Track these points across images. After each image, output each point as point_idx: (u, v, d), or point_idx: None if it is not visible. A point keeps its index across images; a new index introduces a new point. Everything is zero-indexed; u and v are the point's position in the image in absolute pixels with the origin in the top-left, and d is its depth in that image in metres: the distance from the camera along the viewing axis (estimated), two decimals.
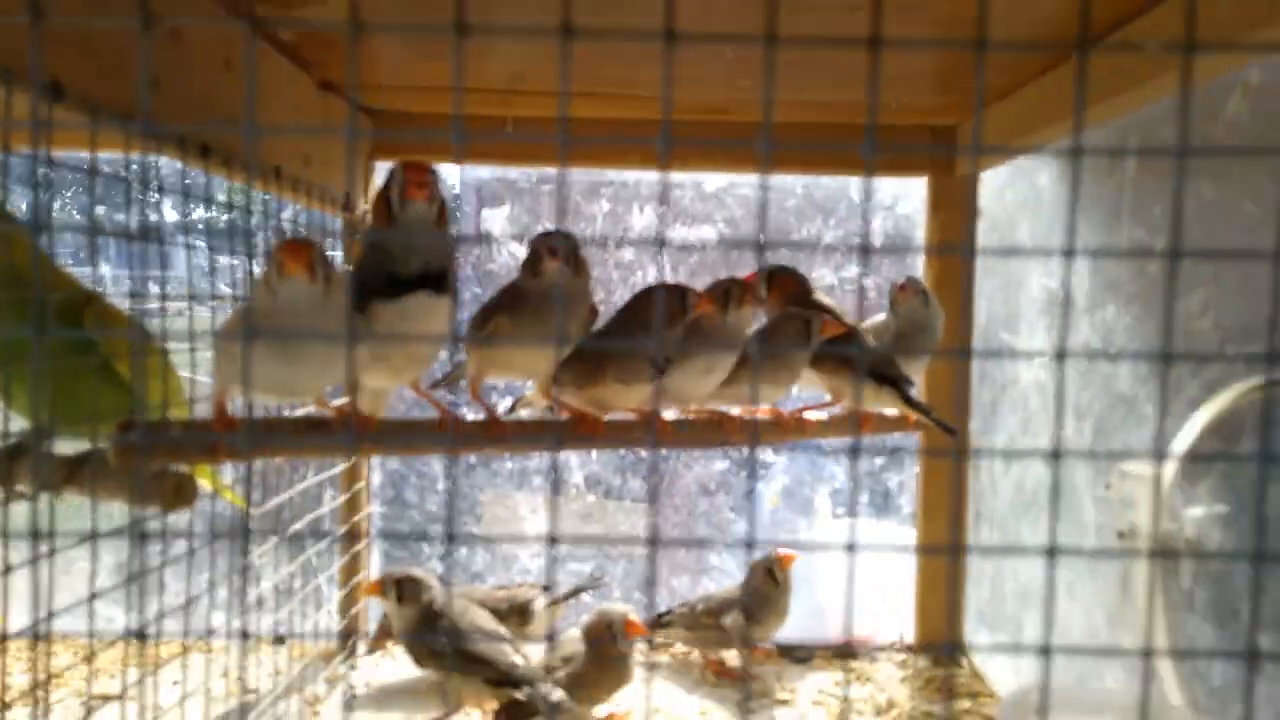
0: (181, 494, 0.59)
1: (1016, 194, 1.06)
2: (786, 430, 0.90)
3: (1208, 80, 0.68)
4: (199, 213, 0.78)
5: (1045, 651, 0.50)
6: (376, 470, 1.15)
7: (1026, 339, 1.05)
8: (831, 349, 0.87)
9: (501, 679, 0.91)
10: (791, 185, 1.23)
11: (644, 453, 1.11)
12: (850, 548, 0.65)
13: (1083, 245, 0.92)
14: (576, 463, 1.26)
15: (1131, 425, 0.80)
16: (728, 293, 0.81)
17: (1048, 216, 1.01)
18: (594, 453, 1.27)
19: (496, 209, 1.23)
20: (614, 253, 1.01)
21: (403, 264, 0.67)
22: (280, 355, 0.60)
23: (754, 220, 1.17)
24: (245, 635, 0.95)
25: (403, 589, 0.97)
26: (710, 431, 0.85)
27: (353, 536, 1.09)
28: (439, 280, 0.68)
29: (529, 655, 0.93)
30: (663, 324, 0.74)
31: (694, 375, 0.78)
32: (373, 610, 1.13)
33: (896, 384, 0.88)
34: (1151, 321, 0.82)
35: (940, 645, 1.10)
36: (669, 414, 0.85)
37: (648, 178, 1.21)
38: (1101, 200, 0.91)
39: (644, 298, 0.79)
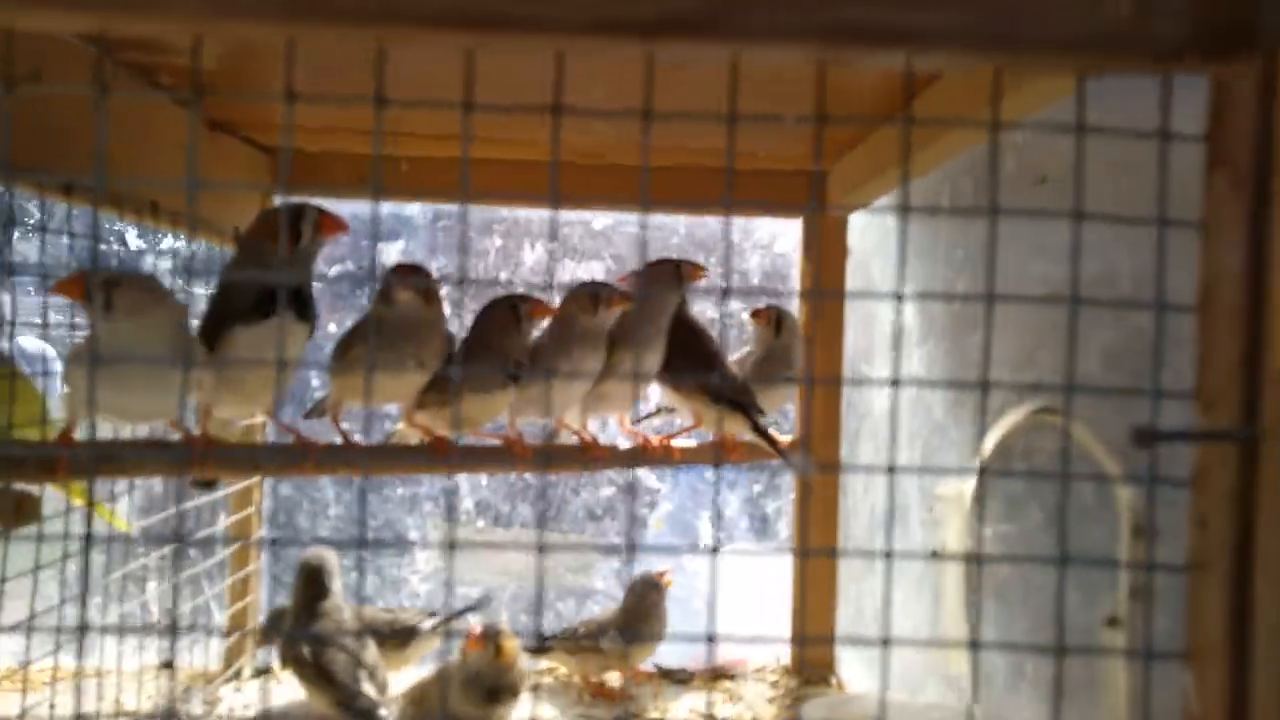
0: (23, 512, 0.62)
1: (872, 234, 1.13)
2: (653, 456, 0.95)
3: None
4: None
5: (885, 642, 0.55)
6: (269, 496, 1.17)
7: (880, 370, 1.12)
8: (691, 375, 0.92)
9: (345, 703, 0.89)
10: (674, 224, 1.29)
11: (532, 478, 1.15)
12: (715, 550, 0.69)
13: (913, 287, 0.99)
14: (467, 488, 1.30)
15: (947, 449, 0.86)
16: (595, 296, 0.85)
17: (895, 256, 1.08)
18: (484, 479, 1.30)
19: (392, 243, 1.27)
20: (507, 288, 1.05)
21: (269, 290, 0.71)
22: (111, 383, 0.63)
23: (639, 257, 1.23)
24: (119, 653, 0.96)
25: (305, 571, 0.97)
26: (575, 456, 0.89)
27: (242, 559, 1.11)
28: (303, 306, 0.72)
29: (386, 684, 0.93)
30: (503, 334, 0.78)
31: (558, 381, 0.83)
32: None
33: (746, 410, 0.93)
34: (959, 353, 0.89)
35: (811, 666, 1.16)
36: (538, 425, 0.89)
37: (539, 215, 1.26)
38: (922, 244, 0.99)
39: (483, 313, 0.83)
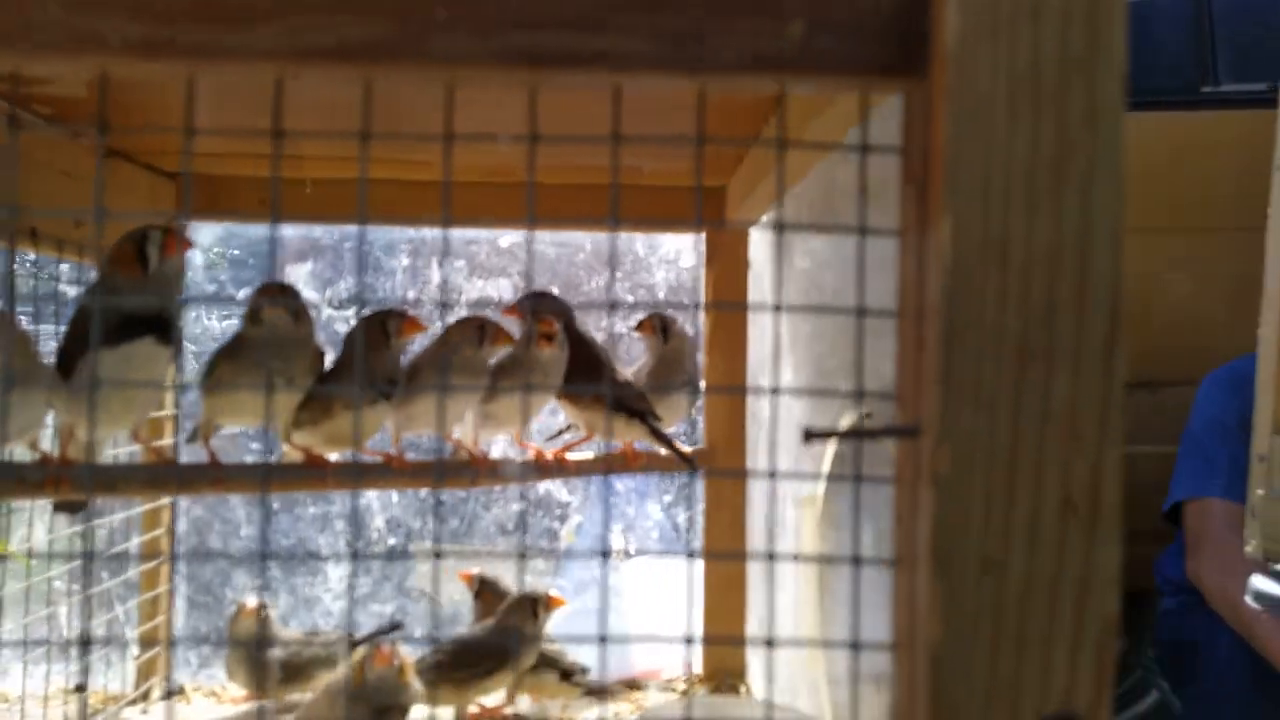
0: None
1: (767, 247, 1.16)
2: (546, 470, 0.96)
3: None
4: None
5: (769, 644, 0.56)
6: (182, 516, 1.18)
7: (772, 379, 1.14)
8: (581, 385, 0.93)
9: None
10: (581, 240, 1.31)
11: (441, 495, 1.16)
12: (605, 554, 0.70)
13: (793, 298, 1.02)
14: (378, 506, 1.31)
15: (813, 456, 0.88)
16: (481, 329, 0.87)
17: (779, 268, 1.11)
18: (394, 495, 1.31)
19: (300, 265, 1.29)
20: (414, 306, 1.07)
21: (135, 313, 0.72)
22: None
23: (547, 273, 1.25)
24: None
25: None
26: (465, 471, 0.91)
27: (153, 580, 1.12)
28: (165, 330, 0.73)
29: None
30: (373, 350, 0.80)
31: (435, 399, 0.84)
32: (177, 656, 1.15)
33: (643, 416, 0.95)
34: (816, 363, 0.92)
35: (722, 674, 1.17)
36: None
37: (446, 234, 1.29)
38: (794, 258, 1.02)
39: (353, 330, 0.85)
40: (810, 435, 0.37)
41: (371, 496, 1.24)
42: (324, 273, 1.29)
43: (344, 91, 0.68)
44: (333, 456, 0.85)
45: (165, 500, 1.10)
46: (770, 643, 0.48)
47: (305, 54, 0.34)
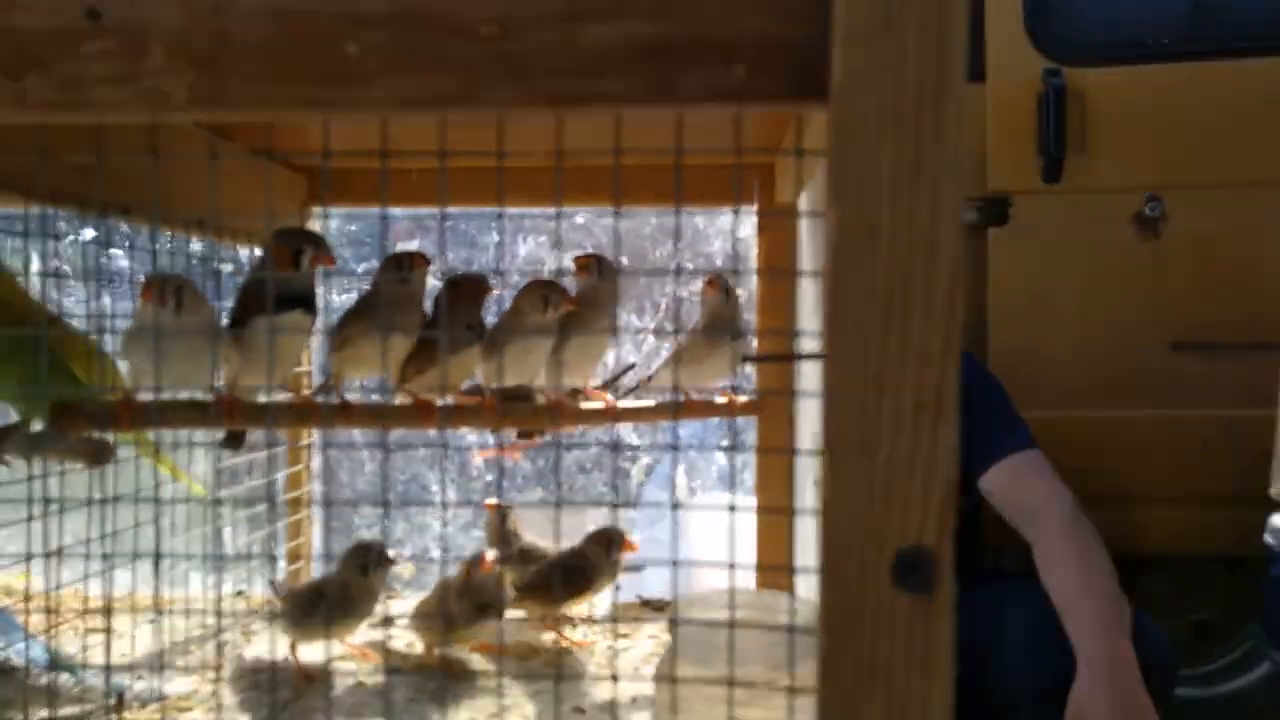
0: (101, 455, 0.84)
1: (805, 223, 1.28)
2: (607, 415, 1.12)
3: None
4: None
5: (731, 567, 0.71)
6: (316, 453, 1.40)
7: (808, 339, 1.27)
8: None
9: None
10: (647, 215, 1.45)
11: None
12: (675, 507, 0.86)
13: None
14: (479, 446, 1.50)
15: None
16: (546, 298, 1.03)
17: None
18: (490, 439, 1.49)
19: (409, 242, 1.47)
20: (506, 279, 1.24)
21: (287, 291, 0.92)
22: (165, 357, 0.85)
23: (616, 245, 1.40)
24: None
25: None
26: (543, 415, 1.07)
27: (297, 506, 1.33)
28: (310, 304, 0.93)
29: None
30: (467, 304, 0.96)
31: (517, 353, 1.00)
32: (315, 570, 1.37)
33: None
34: None
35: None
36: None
37: (530, 212, 1.44)
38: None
39: (444, 290, 1.01)
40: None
41: (472, 439, 1.42)
42: (429, 249, 1.48)
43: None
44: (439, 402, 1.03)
45: (305, 442, 1.31)
46: (792, 570, 0.63)
47: (404, 102, 0.50)
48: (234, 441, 1.02)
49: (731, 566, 1.14)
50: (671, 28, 0.48)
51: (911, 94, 0.44)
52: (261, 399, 0.96)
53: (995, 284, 2.19)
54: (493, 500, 1.29)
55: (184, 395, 0.93)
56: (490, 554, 1.09)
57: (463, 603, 1.06)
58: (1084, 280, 2.19)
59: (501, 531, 1.24)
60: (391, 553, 1.09)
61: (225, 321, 0.95)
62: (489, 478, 1.44)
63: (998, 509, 1.72)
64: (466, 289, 0.99)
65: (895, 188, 0.44)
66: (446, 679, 1.00)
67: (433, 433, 1.08)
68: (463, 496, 1.37)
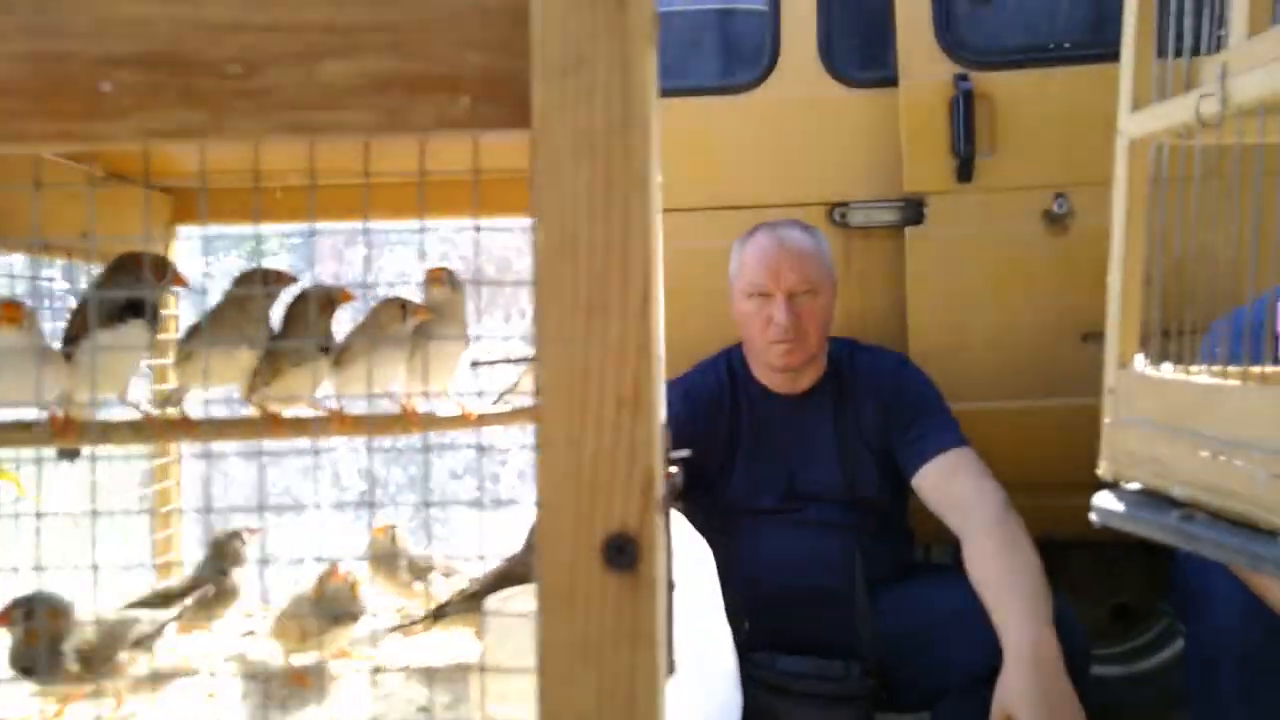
0: None
1: None
2: (464, 422, 1.15)
3: None
4: None
5: None
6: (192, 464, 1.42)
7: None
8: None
9: None
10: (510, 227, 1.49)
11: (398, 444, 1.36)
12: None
13: None
14: (352, 457, 1.52)
15: None
16: (404, 306, 1.06)
17: None
18: (362, 448, 1.53)
19: (274, 258, 1.50)
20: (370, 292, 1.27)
21: (120, 305, 0.94)
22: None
23: (484, 255, 1.44)
24: None
25: None
26: (397, 423, 1.10)
27: (164, 523, 1.35)
28: (151, 317, 0.95)
29: None
30: (316, 316, 0.99)
31: (374, 362, 1.03)
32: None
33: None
34: None
35: None
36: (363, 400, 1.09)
37: (394, 226, 1.48)
38: None
39: (296, 300, 1.04)
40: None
41: (346, 449, 1.45)
42: (296, 264, 1.50)
43: None
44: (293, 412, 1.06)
45: (173, 455, 1.32)
46: None
47: (154, 133, 0.53)
48: (70, 454, 1.03)
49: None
50: (402, 64, 0.52)
51: (602, 122, 0.49)
52: (101, 414, 0.98)
53: (912, 281, 2.28)
54: (382, 525, 1.30)
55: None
56: (344, 563, 1.12)
57: (315, 613, 1.09)
58: (997, 276, 2.28)
59: (391, 549, 1.26)
60: (245, 535, 1.11)
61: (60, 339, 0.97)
62: (363, 487, 1.46)
63: (929, 505, 1.80)
64: (315, 301, 1.02)
65: (591, 205, 0.49)
66: (299, 688, 1.02)
67: (306, 443, 1.11)
68: (337, 506, 1.39)
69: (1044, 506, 1.95)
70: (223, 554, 1.16)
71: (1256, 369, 0.78)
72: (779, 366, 1.83)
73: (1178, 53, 0.92)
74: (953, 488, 1.84)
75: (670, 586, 0.68)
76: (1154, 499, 0.90)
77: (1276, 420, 0.73)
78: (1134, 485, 0.95)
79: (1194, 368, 0.91)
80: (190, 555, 1.36)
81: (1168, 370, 0.93)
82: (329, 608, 1.08)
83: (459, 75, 0.52)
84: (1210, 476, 0.81)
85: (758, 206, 2.31)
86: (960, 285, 2.40)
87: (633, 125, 0.49)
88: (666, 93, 2.52)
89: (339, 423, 1.02)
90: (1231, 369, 0.82)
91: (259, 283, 0.98)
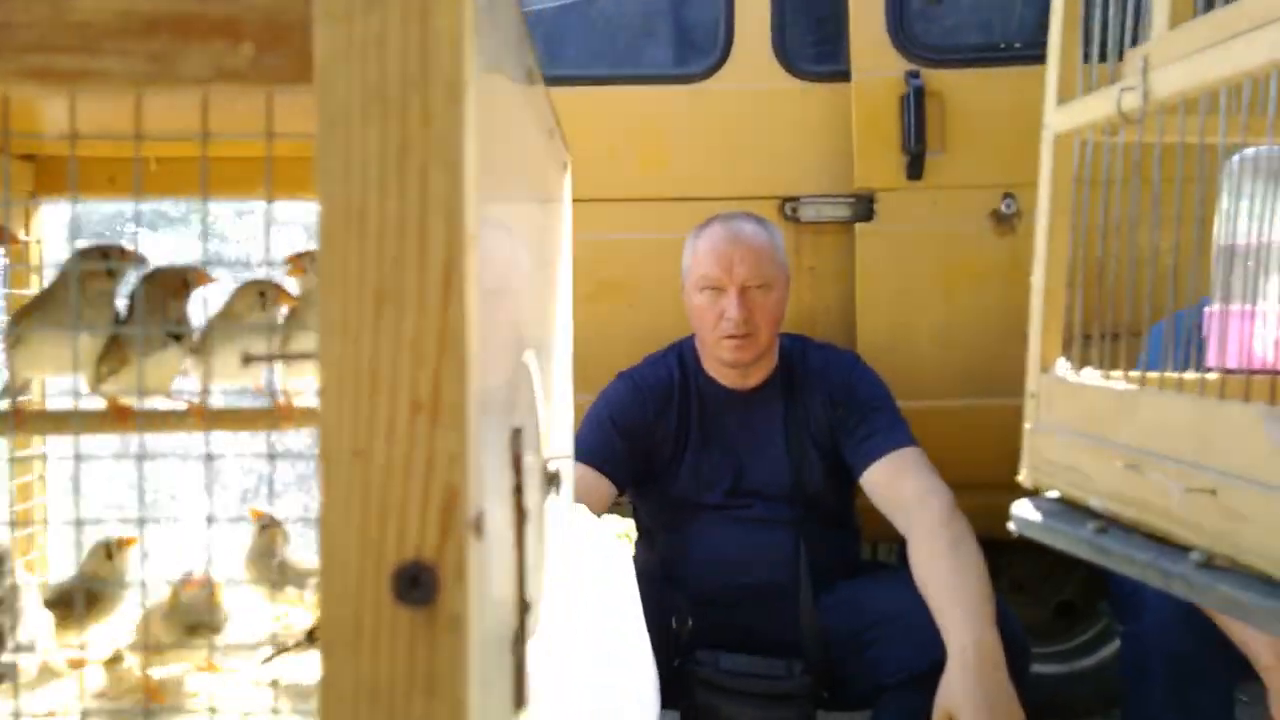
0: None
1: None
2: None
3: None
4: None
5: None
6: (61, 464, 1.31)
7: None
8: None
9: None
10: None
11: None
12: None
13: None
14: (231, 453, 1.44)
15: None
16: (263, 293, 0.96)
17: None
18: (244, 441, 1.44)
19: (154, 233, 1.40)
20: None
21: None
22: None
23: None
24: None
25: None
26: (252, 417, 1.00)
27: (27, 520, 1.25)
28: None
29: None
30: (167, 300, 0.89)
31: (222, 359, 0.94)
32: None
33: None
34: None
35: None
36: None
37: (282, 204, 1.39)
38: None
39: (145, 280, 0.94)
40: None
41: (226, 444, 1.35)
42: (175, 242, 1.40)
43: None
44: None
45: (35, 450, 1.22)
46: None
47: None
48: None
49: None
50: (169, 3, 0.44)
51: (395, 76, 0.41)
52: None
53: (862, 278, 2.25)
54: (259, 509, 1.22)
55: None
56: (204, 570, 1.03)
57: (169, 624, 1.00)
58: (945, 274, 2.25)
59: (268, 547, 1.18)
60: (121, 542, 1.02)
61: None
62: (245, 487, 1.38)
63: (876, 504, 1.79)
64: (167, 283, 0.92)
65: (383, 174, 0.42)
66: (149, 703, 0.94)
67: (188, 439, 1.02)
68: (218, 507, 1.30)
69: (990, 505, 1.93)
70: (101, 560, 1.07)
71: (1174, 375, 0.72)
72: (729, 361, 1.80)
73: (1103, 47, 0.87)
74: (900, 487, 1.85)
75: (525, 608, 0.61)
76: (1072, 509, 0.85)
77: (1192, 431, 0.68)
78: (1054, 494, 0.90)
79: (1115, 373, 0.85)
80: (56, 556, 1.26)
81: (1089, 375, 0.87)
82: (184, 618, 1.00)
83: (238, 18, 0.44)
84: (1126, 488, 0.75)
85: (708, 199, 2.26)
86: (909, 283, 2.38)
87: (433, 81, 0.41)
88: (617, 81, 2.47)
89: (196, 418, 0.93)
90: (1151, 375, 0.76)
91: (98, 260, 0.89)
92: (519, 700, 0.59)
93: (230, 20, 0.44)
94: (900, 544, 1.79)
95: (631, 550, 2.12)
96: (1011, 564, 2.60)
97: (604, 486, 1.80)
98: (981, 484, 1.91)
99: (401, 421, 0.42)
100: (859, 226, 2.33)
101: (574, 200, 2.37)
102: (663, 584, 1.91)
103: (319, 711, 0.43)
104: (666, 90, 2.38)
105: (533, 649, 0.67)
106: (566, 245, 1.00)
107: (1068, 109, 0.91)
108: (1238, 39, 0.64)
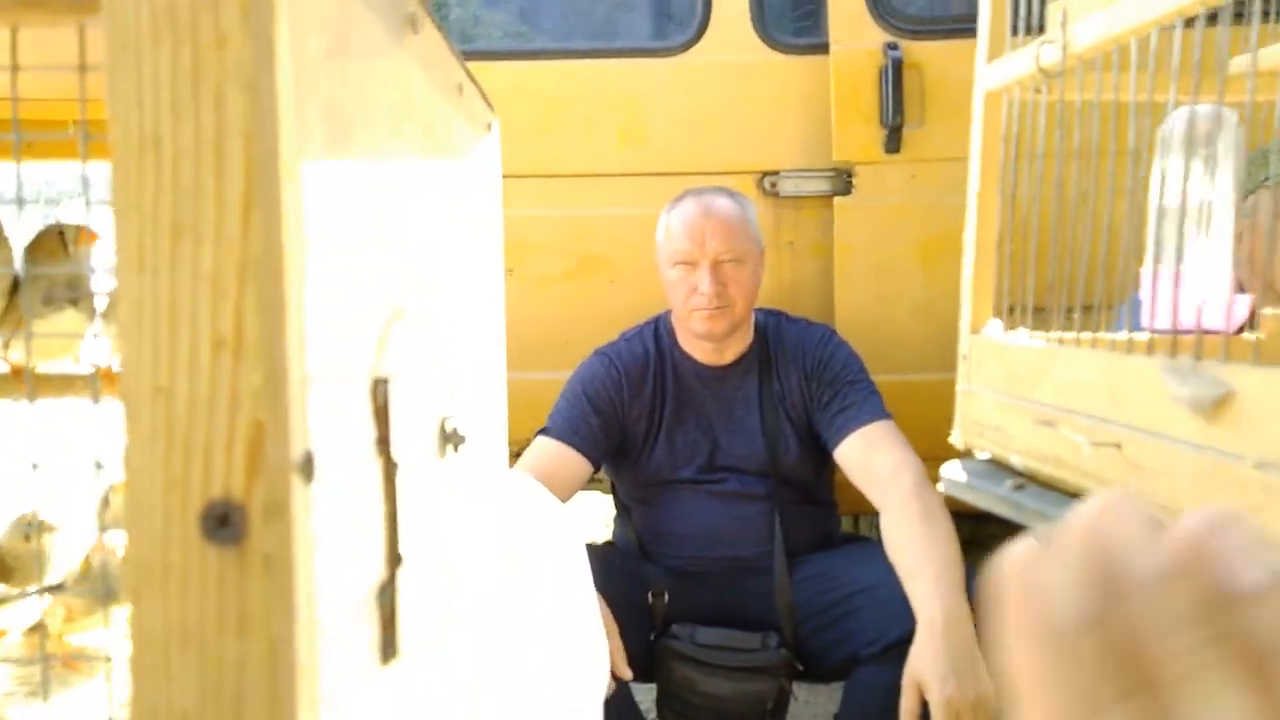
0: None
1: None
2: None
3: None
4: None
5: None
6: None
7: None
8: None
9: None
10: None
11: None
12: None
13: None
14: None
15: None
16: (61, 233, 0.91)
17: None
18: None
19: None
20: None
21: None
22: None
23: None
24: None
25: None
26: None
27: None
28: None
29: None
30: (45, 260, 0.87)
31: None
32: None
33: None
34: None
35: None
36: None
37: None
38: None
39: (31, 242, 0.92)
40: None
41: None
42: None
43: None
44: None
45: None
46: None
47: None
48: None
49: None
50: None
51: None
52: None
53: (840, 251, 2.23)
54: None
55: None
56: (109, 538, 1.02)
57: (82, 589, 1.00)
58: (924, 248, 2.23)
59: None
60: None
61: None
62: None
63: (850, 478, 1.79)
64: (46, 245, 0.91)
65: (176, 99, 0.40)
66: (70, 671, 0.94)
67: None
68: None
69: None
70: (23, 527, 1.06)
71: (1089, 335, 0.70)
72: (703, 334, 1.80)
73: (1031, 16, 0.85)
74: (873, 461, 1.85)
75: (397, 560, 0.60)
76: (996, 469, 0.83)
77: (1101, 387, 0.66)
78: (985, 455, 0.89)
79: (1045, 335, 0.83)
80: None
81: (1017, 336, 0.85)
82: (98, 584, 1.00)
83: None
84: (1043, 445, 0.74)
85: (687, 173, 2.25)
86: (887, 257, 2.36)
87: (225, 3, 0.40)
88: (595, 54, 2.45)
89: (106, 381, 0.92)
90: (1067, 335, 0.74)
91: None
92: (388, 650, 0.58)
93: None
94: (875, 518, 1.79)
95: (611, 526, 2.11)
96: (990, 536, 2.58)
97: (579, 461, 1.81)
98: (961, 456, 1.91)
99: (204, 358, 0.41)
100: (837, 200, 2.31)
101: (550, 176, 2.36)
102: (639, 559, 1.91)
103: (130, 655, 0.42)
104: (644, 63, 2.36)
105: (426, 603, 0.66)
106: (493, 208, 0.99)
107: (995, 66, 0.89)
108: None
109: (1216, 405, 0.50)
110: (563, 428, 1.84)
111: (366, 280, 0.56)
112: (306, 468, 0.44)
